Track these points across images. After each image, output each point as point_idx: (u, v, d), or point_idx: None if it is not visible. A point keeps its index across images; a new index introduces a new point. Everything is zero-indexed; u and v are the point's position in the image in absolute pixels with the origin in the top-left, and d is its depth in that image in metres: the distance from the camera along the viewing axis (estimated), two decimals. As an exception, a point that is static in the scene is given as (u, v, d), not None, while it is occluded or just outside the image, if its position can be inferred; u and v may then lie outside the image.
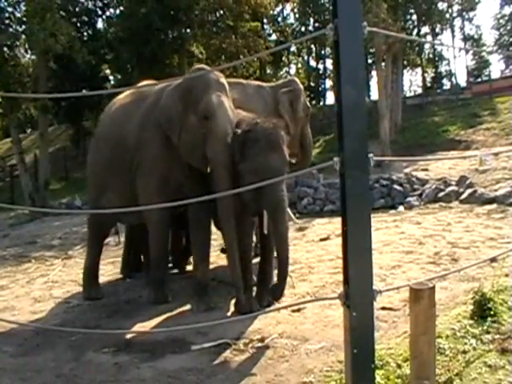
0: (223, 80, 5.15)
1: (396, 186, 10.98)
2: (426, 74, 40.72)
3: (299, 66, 42.32)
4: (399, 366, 3.08)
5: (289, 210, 4.75)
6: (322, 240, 7.66)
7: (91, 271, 5.98)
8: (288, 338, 4.02)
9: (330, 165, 2.28)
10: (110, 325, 4.82)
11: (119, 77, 25.48)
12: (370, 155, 2.22)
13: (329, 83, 39.96)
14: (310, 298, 4.97)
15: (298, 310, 4.59)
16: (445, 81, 41.97)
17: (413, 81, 60.97)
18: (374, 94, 23.88)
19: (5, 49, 18.20)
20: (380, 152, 17.29)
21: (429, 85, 40.13)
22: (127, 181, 5.49)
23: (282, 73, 39.01)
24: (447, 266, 5.44)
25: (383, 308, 4.29)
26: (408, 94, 39.18)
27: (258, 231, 5.38)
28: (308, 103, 7.35)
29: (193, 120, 4.90)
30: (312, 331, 4.11)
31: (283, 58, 37.77)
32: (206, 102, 4.82)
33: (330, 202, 11.03)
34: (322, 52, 37.91)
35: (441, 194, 10.30)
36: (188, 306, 5.15)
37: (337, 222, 8.16)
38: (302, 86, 7.21)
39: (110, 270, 7.25)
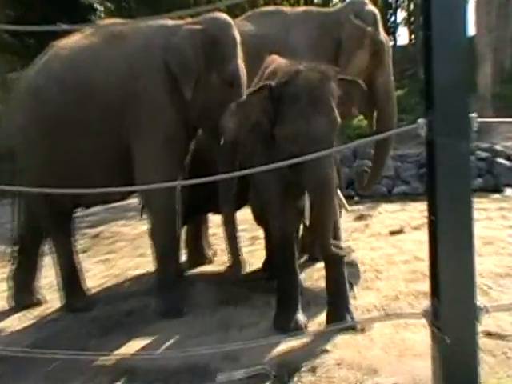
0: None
1: (501, 160, 10.72)
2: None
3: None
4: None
5: (339, 192, 4.67)
6: (392, 233, 7.63)
7: (69, 273, 5.90)
8: (349, 369, 3.99)
9: (410, 129, 2.24)
10: (104, 346, 4.82)
11: (112, 8, 25.56)
12: (473, 115, 2.16)
13: (401, 16, 39.54)
14: (379, 313, 4.96)
15: (362, 330, 4.56)
16: None
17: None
18: (471, 29, 23.13)
19: None
20: (478, 110, 16.82)
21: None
22: (102, 147, 5.47)
23: (335, 1, 38.69)
24: None
25: (488, 334, 4.18)
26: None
27: None
28: (384, 35, 6.52)
29: (215, 80, 5.32)
30: (382, 360, 4.07)
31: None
32: (234, 67, 5.36)
33: (401, 182, 10.94)
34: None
35: None
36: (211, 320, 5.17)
37: (412, 208, 8.10)
38: (374, 10, 6.43)
39: (101, 270, 7.35)
